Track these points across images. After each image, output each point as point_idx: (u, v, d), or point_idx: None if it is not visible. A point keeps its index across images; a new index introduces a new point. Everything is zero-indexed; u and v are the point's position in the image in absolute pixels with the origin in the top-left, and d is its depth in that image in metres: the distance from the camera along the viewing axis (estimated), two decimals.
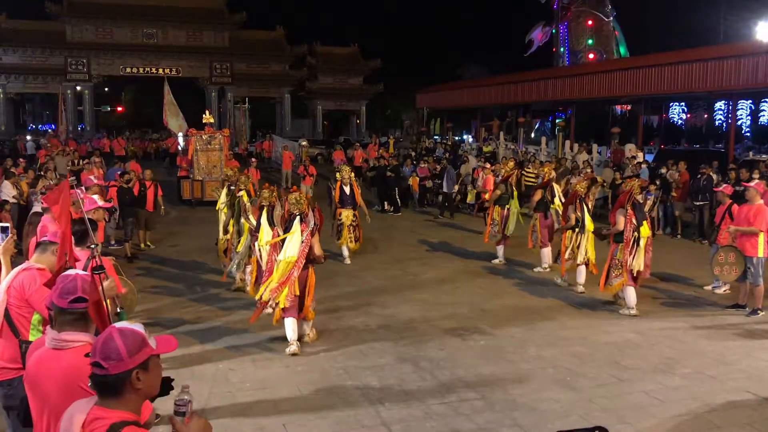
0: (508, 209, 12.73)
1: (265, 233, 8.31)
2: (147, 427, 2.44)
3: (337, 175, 12.95)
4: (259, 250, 8.92)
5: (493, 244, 13.03)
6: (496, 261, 12.71)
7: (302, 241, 7.60)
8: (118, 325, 2.34)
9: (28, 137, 39.15)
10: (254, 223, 9.39)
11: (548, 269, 11.87)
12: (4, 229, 4.51)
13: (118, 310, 4.49)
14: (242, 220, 10.21)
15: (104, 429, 2.21)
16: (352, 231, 12.68)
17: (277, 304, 7.57)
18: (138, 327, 2.34)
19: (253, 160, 23.36)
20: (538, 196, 12.12)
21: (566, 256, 10.69)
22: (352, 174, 12.66)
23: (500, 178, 13.56)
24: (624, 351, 7.76)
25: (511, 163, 14.10)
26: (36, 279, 4.12)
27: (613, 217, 9.58)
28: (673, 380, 6.86)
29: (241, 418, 5.97)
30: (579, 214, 10.68)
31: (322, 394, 6.52)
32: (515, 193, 12.89)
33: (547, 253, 11.96)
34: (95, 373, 2.24)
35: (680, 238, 15.87)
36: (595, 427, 1.44)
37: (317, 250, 7.69)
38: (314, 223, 7.75)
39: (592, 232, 10.51)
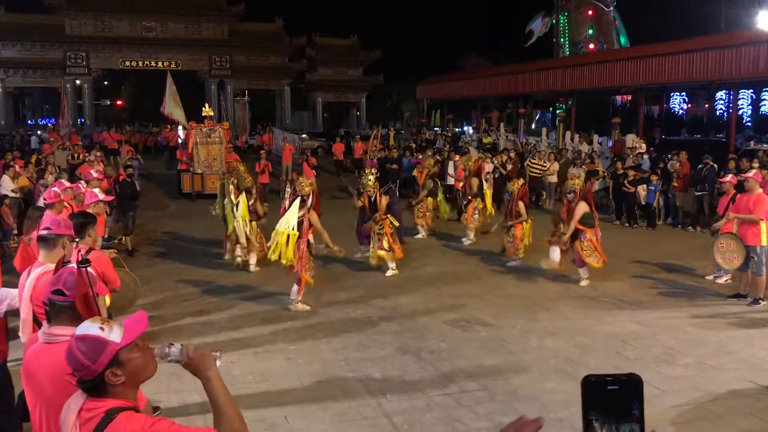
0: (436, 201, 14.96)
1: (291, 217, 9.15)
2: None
3: (361, 187, 11.95)
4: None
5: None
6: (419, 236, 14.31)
7: (300, 220, 8.93)
8: (78, 331, 2.30)
9: (32, 133, 39.12)
10: (234, 202, 11.22)
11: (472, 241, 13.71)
12: None
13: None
14: (225, 203, 11.57)
15: (100, 416, 2.23)
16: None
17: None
18: (94, 327, 2.27)
19: (309, 159, 22.73)
20: (476, 183, 13.97)
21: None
22: (377, 183, 11.97)
23: (468, 172, 14.38)
24: (625, 341, 7.77)
25: (474, 158, 15.91)
26: None
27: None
28: (675, 370, 6.86)
29: (243, 410, 5.91)
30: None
31: (324, 385, 6.53)
32: (485, 187, 14.14)
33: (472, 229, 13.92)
34: (77, 380, 2.28)
35: (681, 228, 15.85)
36: (629, 374, 1.43)
37: (316, 224, 9.18)
38: (310, 203, 9.22)
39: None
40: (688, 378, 6.65)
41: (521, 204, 11.78)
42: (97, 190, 7.60)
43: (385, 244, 11.14)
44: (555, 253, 10.71)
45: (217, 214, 12.15)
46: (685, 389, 6.35)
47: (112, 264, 5.70)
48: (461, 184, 15.49)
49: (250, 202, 11.49)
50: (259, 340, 7.86)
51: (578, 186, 10.56)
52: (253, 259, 11.49)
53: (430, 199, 15.10)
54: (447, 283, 10.69)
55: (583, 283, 10.35)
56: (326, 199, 13.57)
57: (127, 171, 14.46)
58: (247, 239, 11.41)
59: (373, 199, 11.49)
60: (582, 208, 10.21)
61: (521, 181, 12.39)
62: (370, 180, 11.55)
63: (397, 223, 11.44)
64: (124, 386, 2.29)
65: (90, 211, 7.12)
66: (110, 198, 8.82)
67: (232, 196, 11.44)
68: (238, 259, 11.67)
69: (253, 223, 11.48)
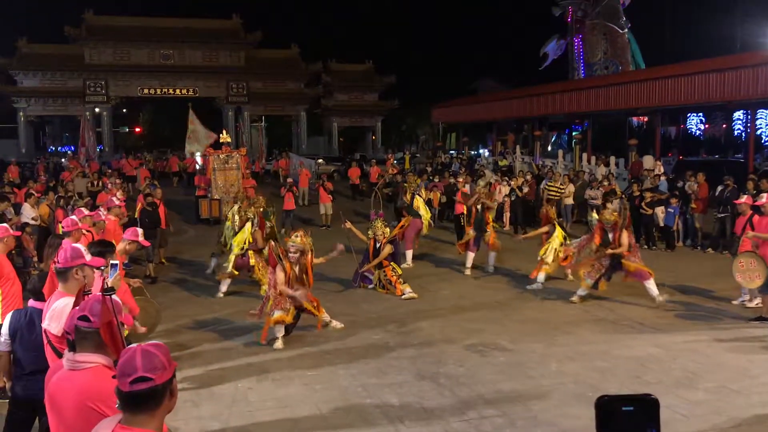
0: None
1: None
2: None
3: (369, 232, 12.13)
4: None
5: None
6: (405, 264, 13.64)
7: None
8: (143, 344, 2.39)
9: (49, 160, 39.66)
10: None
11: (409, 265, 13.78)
12: (114, 266, 4.52)
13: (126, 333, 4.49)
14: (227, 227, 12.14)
15: None
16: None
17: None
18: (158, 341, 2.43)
19: (325, 184, 21.81)
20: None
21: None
22: (387, 230, 12.31)
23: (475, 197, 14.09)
24: (646, 365, 7.69)
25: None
26: None
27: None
28: (697, 394, 6.78)
29: None
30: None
31: (341, 412, 6.51)
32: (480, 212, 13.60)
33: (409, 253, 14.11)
34: (141, 389, 2.28)
35: (700, 250, 15.72)
36: (645, 395, 1.41)
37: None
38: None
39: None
40: (709, 402, 6.56)
41: (625, 234, 10.70)
42: (140, 231, 7.52)
43: (390, 288, 11.59)
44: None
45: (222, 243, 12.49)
46: (707, 414, 6.27)
47: (130, 291, 5.75)
48: (465, 207, 15.66)
49: (252, 230, 11.66)
50: (277, 365, 7.87)
51: (616, 219, 10.63)
52: (223, 287, 11.60)
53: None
54: (465, 308, 10.65)
55: (661, 298, 10.32)
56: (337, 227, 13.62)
57: (147, 199, 14.51)
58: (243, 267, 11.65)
59: (378, 246, 11.92)
60: (627, 236, 10.57)
61: (613, 211, 11.05)
62: (378, 226, 11.98)
63: (400, 272, 11.93)
64: (168, 406, 2.38)
65: (124, 246, 7.16)
66: (147, 244, 8.89)
67: (237, 223, 11.75)
68: (220, 294, 11.59)
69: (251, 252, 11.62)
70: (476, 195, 13.61)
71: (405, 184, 16.17)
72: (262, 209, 12.20)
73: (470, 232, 13.42)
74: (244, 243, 11.51)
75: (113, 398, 2.32)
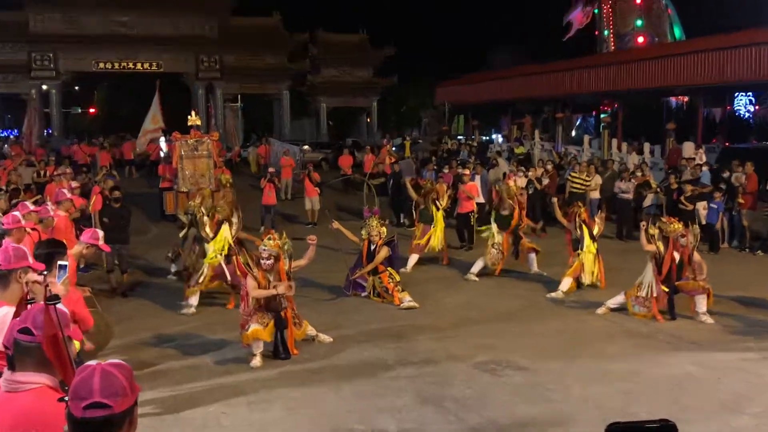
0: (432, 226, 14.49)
1: None
2: None
3: (363, 232, 12.18)
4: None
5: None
6: (403, 269, 13.41)
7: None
8: (105, 361, 2.38)
9: None
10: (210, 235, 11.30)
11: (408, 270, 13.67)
12: (62, 268, 4.53)
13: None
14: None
15: None
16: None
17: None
18: (121, 360, 2.42)
19: (312, 174, 21.78)
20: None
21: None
22: (382, 230, 12.24)
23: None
24: (683, 387, 7.72)
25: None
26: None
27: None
28: (742, 420, 6.81)
29: None
30: (578, 232, 12.11)
31: None
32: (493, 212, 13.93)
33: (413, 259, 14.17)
34: (95, 416, 2.26)
35: (749, 253, 15.75)
36: (662, 420, 1.41)
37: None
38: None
39: None
40: (758, 429, 6.59)
41: (697, 254, 10.78)
42: (101, 233, 7.47)
43: (387, 296, 11.61)
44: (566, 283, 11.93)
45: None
46: None
47: (84, 301, 5.75)
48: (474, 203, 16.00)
49: (233, 232, 11.49)
50: (254, 386, 7.87)
51: (681, 229, 10.50)
52: (193, 300, 11.27)
53: (420, 224, 15.05)
54: (474, 319, 10.68)
55: (708, 318, 10.34)
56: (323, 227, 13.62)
57: (112, 194, 13.68)
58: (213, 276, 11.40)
59: (373, 248, 11.92)
60: (699, 256, 10.71)
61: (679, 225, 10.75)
62: (374, 226, 12.01)
63: (398, 278, 11.92)
64: None
65: (81, 249, 7.12)
66: (108, 249, 8.60)
67: (207, 230, 11.37)
68: (192, 309, 11.26)
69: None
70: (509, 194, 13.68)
71: (430, 185, 15.89)
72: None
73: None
74: (222, 249, 11.26)
75: (58, 425, 2.31)
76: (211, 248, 11.28)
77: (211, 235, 11.33)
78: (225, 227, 11.42)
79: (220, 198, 14.23)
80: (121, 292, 12.58)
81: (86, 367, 2.33)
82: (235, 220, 11.77)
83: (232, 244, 11.34)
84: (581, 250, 12.08)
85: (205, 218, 11.48)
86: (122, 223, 13.20)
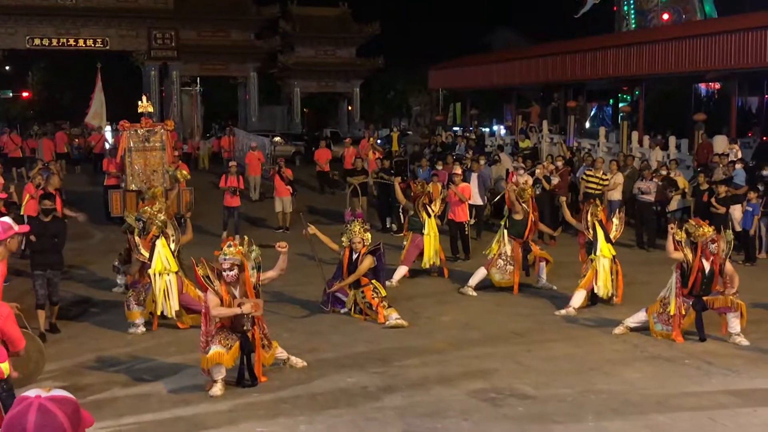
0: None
1: None
2: None
3: (344, 238, 12.12)
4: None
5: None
6: (389, 282, 13.33)
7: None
8: (46, 393, 2.34)
9: None
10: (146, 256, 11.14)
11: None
12: None
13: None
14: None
15: None
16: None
17: None
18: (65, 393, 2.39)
19: (283, 171, 21.41)
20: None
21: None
22: (367, 236, 12.09)
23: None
24: (715, 419, 7.75)
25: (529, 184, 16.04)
26: None
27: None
28: None
29: None
30: (591, 233, 12.29)
31: None
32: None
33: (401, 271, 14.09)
34: None
35: None
36: None
37: None
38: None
39: None
40: None
41: (729, 264, 10.77)
42: (8, 219, 7.28)
43: (371, 313, 11.62)
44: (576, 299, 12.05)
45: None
46: None
47: (14, 318, 5.70)
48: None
49: (172, 246, 11.28)
50: (215, 419, 7.85)
51: (712, 234, 10.46)
52: (140, 320, 11.18)
53: (409, 232, 15.07)
54: (471, 340, 10.68)
55: (742, 339, 10.36)
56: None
57: (43, 203, 11.94)
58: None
59: (355, 257, 11.86)
60: (731, 265, 10.72)
61: (709, 228, 10.71)
62: (356, 231, 11.92)
63: (384, 292, 11.88)
64: None
65: (4, 248, 6.99)
66: (26, 228, 8.26)
67: (141, 249, 11.19)
68: (141, 329, 11.15)
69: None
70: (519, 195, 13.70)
71: (421, 187, 15.66)
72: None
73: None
74: (168, 269, 11.02)
75: None
76: (157, 279, 10.97)
77: (147, 255, 11.10)
78: (160, 243, 11.12)
79: (174, 197, 14.13)
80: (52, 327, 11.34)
81: (23, 400, 2.30)
82: (170, 231, 11.47)
83: (174, 259, 11.13)
84: (595, 254, 12.10)
85: (139, 238, 11.32)
86: (54, 243, 11.36)
